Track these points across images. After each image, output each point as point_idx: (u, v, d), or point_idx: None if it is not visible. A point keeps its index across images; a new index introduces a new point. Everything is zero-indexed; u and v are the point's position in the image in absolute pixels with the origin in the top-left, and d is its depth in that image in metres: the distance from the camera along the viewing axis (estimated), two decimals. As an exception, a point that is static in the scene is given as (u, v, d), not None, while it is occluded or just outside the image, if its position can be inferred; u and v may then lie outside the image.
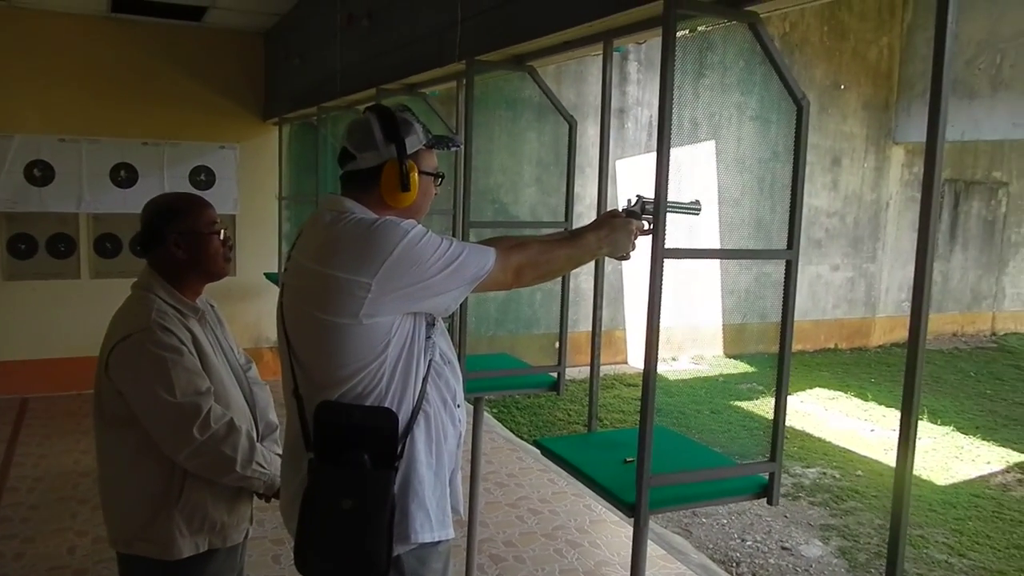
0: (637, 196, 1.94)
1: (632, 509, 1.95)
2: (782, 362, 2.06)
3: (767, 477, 2.09)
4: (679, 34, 1.87)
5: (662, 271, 1.86)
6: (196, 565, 1.95)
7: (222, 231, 2.02)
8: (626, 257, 1.92)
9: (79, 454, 4.91)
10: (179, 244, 1.94)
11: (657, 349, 1.90)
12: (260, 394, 2.15)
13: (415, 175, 1.71)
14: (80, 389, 6.15)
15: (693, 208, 1.98)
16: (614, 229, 1.88)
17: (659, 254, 1.84)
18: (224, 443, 1.86)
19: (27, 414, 5.73)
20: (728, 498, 2.14)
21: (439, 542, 1.74)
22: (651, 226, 1.93)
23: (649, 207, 1.92)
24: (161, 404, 1.82)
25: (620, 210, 1.94)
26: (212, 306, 2.15)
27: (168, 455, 1.87)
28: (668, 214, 1.86)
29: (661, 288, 1.86)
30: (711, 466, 2.13)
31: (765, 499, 2.08)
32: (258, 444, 1.98)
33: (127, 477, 1.92)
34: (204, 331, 2.00)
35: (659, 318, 1.88)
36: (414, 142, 1.72)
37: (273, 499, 2.00)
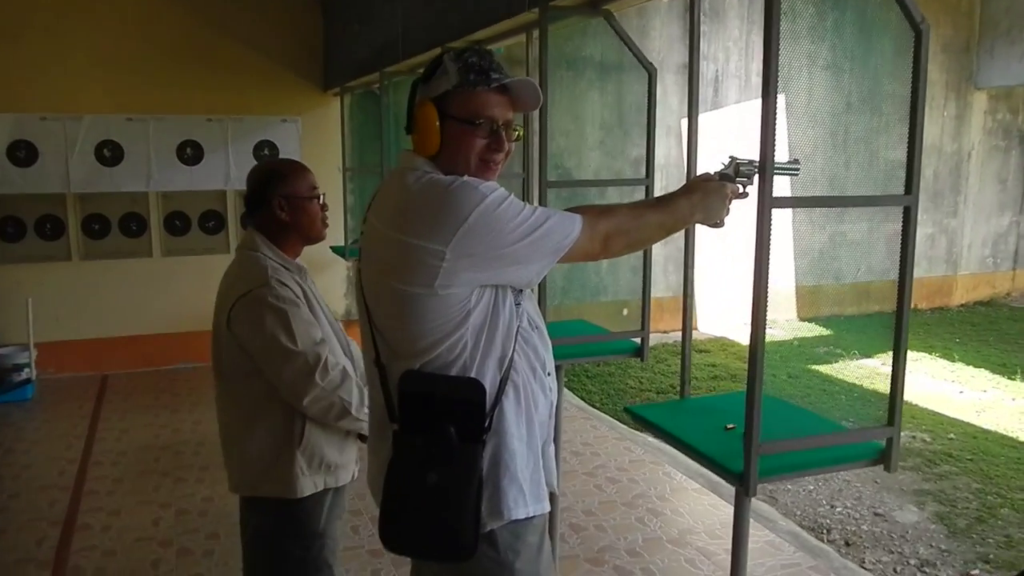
0: (731, 157, 1.78)
1: (738, 478, 1.82)
2: (900, 319, 1.90)
3: (884, 443, 1.94)
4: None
5: (770, 222, 1.71)
6: (315, 503, 2.10)
7: (321, 196, 2.15)
8: (720, 224, 1.76)
9: (159, 428, 5.00)
10: (282, 207, 2.07)
11: (765, 307, 1.77)
12: (356, 347, 2.23)
13: (426, 117, 1.55)
14: (158, 365, 6.27)
15: (792, 168, 1.81)
16: (708, 193, 1.70)
17: (767, 204, 1.69)
18: (341, 389, 2.00)
19: (107, 390, 5.86)
20: (842, 466, 2.00)
21: (534, 516, 1.64)
22: (745, 190, 1.77)
23: (744, 168, 1.76)
24: (286, 353, 1.95)
25: (712, 173, 1.78)
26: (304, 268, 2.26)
27: (290, 402, 1.99)
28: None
29: (770, 240, 1.72)
30: (822, 432, 1.99)
31: (882, 466, 1.93)
32: (365, 389, 2.06)
33: (253, 425, 2.06)
34: (308, 287, 2.14)
35: (767, 272, 1.74)
36: (441, 83, 1.56)
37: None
